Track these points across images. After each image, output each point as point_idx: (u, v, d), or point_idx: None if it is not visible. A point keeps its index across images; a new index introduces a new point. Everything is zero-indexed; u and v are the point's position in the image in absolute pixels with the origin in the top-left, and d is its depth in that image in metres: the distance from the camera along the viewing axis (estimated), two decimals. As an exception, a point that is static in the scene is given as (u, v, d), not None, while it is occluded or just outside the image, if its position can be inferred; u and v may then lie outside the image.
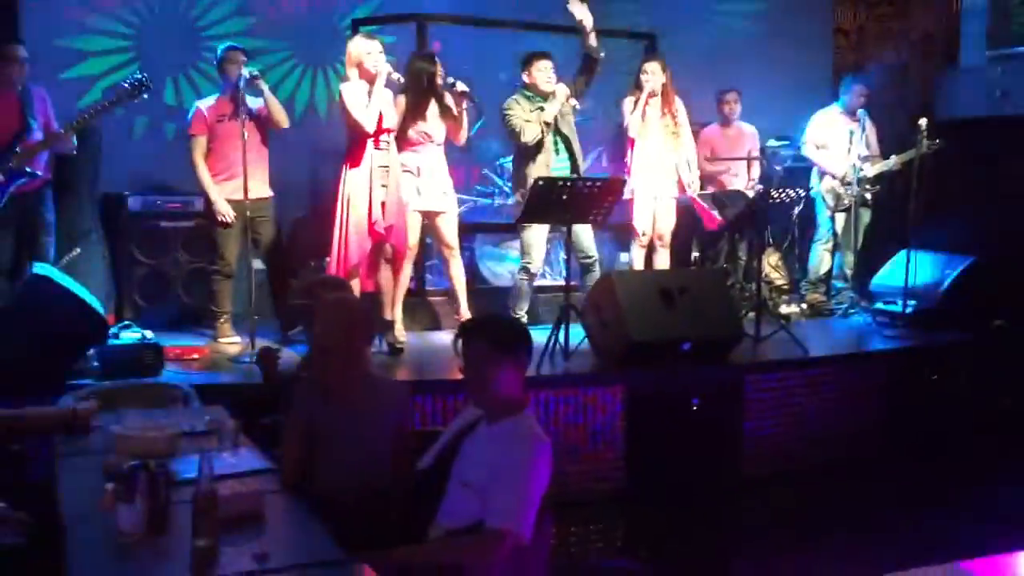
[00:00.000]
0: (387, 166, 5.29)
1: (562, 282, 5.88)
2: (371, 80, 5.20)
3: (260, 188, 5.60)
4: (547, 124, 5.71)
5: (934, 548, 4.28)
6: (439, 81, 5.44)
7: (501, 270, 6.99)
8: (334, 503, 2.69)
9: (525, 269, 5.85)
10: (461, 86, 5.41)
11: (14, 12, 5.97)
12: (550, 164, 5.74)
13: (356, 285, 5.34)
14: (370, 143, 5.22)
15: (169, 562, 2.21)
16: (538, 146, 5.72)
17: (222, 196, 5.51)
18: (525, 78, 5.84)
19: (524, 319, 5.88)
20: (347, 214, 5.24)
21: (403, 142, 5.44)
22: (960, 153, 6.87)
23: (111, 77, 6.35)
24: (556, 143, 5.82)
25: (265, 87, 5.48)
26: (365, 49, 5.25)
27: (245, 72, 5.30)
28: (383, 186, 5.26)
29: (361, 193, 5.22)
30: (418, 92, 5.41)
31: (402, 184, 5.41)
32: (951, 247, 6.64)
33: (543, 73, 5.78)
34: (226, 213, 5.49)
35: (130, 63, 6.43)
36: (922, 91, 8.17)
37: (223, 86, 5.61)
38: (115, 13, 6.43)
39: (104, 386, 4.11)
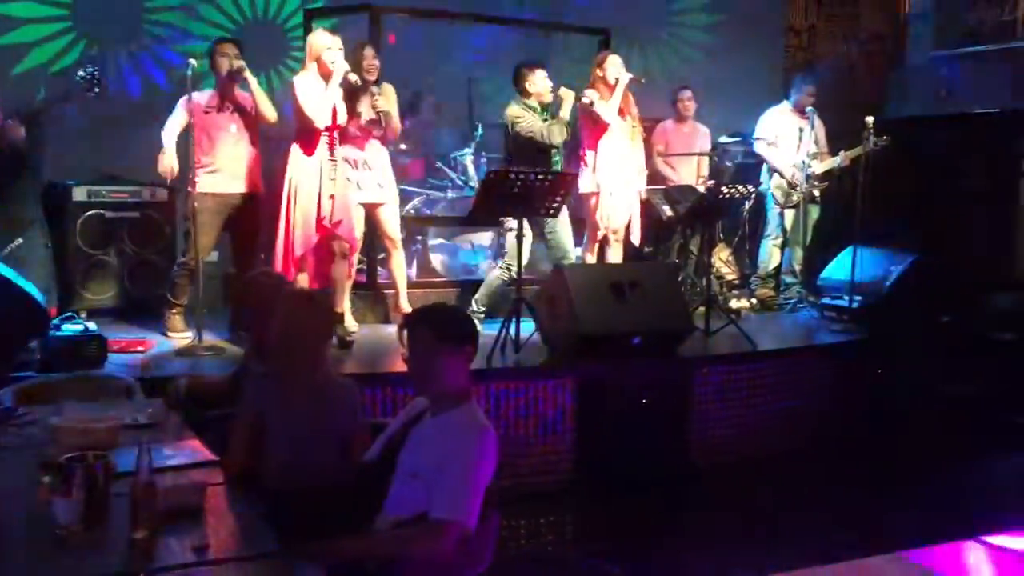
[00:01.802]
0: (335, 160, 5.26)
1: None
2: (327, 76, 5.15)
3: (248, 184, 5.53)
4: (568, 125, 5.87)
5: (880, 538, 4.36)
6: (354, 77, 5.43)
7: (453, 264, 6.98)
8: (284, 496, 2.67)
9: (507, 270, 5.88)
10: (381, 104, 5.42)
11: None
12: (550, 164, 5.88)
13: (304, 279, 5.30)
14: (321, 137, 5.18)
15: (106, 555, 2.16)
16: (546, 149, 5.85)
17: (205, 188, 5.37)
18: (529, 89, 5.88)
19: (482, 314, 5.89)
20: (293, 207, 5.20)
21: (343, 136, 5.41)
22: (907, 150, 6.99)
23: (47, 46, 6.24)
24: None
25: (252, 79, 5.41)
26: (326, 44, 5.19)
27: (231, 63, 5.28)
28: (332, 179, 5.23)
29: (309, 186, 5.18)
30: (349, 88, 5.39)
31: (346, 178, 5.41)
32: (897, 243, 6.76)
33: (544, 82, 5.89)
34: (170, 168, 5.35)
35: (66, 32, 6.32)
36: (870, 90, 8.31)
37: (216, 79, 5.52)
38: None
39: (46, 378, 4.03)
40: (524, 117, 5.86)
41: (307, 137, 5.20)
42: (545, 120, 5.87)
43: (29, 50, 6.24)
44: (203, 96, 5.45)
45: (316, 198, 5.19)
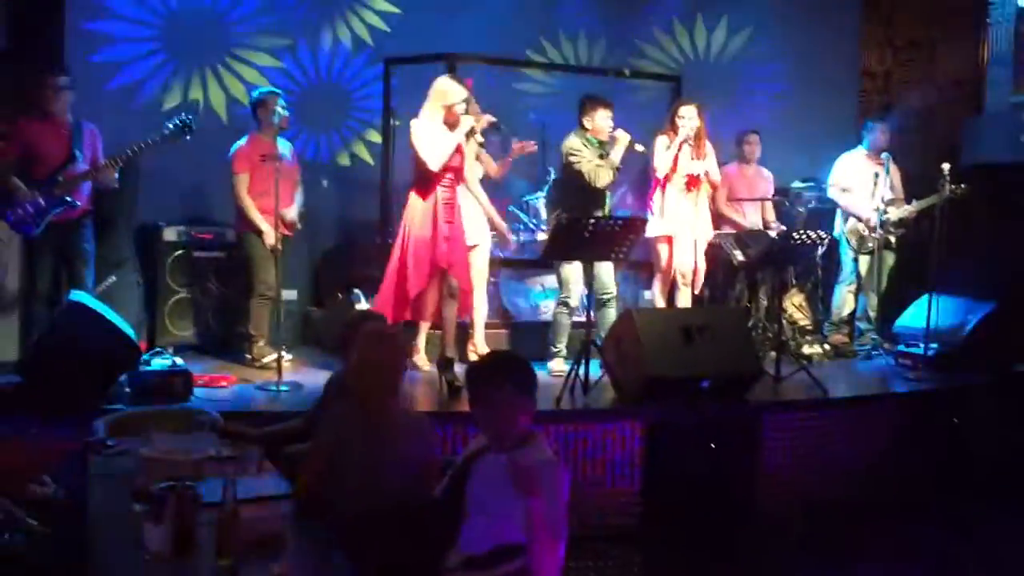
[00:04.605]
0: (451, 202, 5.37)
1: (582, 317, 5.95)
2: (452, 123, 5.27)
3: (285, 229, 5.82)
4: (617, 169, 5.90)
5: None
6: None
7: (525, 305, 7.07)
8: (357, 524, 2.76)
9: (564, 303, 5.97)
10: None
11: None
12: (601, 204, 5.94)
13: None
14: (439, 181, 5.29)
15: (193, 581, 2.30)
16: (595, 189, 5.88)
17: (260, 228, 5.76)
18: (586, 124, 5.97)
19: (563, 353, 5.98)
20: (408, 249, 5.29)
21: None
22: (985, 198, 6.89)
23: (138, 64, 6.60)
24: None
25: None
26: (459, 96, 5.29)
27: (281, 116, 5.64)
28: (448, 222, 5.31)
29: (424, 229, 5.27)
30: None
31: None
32: (974, 291, 6.64)
33: (605, 121, 5.94)
34: (275, 240, 5.66)
35: (155, 53, 6.66)
36: (948, 135, 8.19)
37: (260, 126, 5.86)
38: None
39: (134, 411, 4.23)
40: (582, 153, 5.90)
41: (424, 181, 5.30)
42: (603, 156, 5.90)
43: (121, 67, 6.57)
44: (247, 145, 5.81)
45: (431, 241, 5.27)
